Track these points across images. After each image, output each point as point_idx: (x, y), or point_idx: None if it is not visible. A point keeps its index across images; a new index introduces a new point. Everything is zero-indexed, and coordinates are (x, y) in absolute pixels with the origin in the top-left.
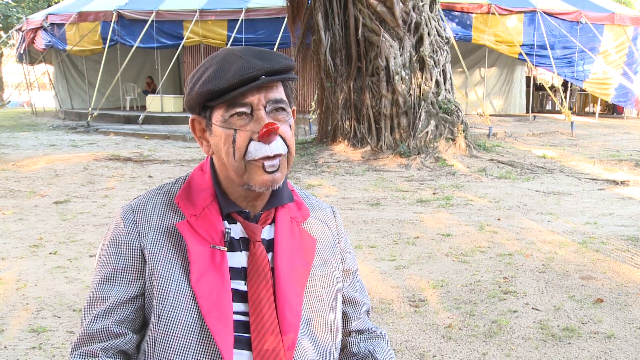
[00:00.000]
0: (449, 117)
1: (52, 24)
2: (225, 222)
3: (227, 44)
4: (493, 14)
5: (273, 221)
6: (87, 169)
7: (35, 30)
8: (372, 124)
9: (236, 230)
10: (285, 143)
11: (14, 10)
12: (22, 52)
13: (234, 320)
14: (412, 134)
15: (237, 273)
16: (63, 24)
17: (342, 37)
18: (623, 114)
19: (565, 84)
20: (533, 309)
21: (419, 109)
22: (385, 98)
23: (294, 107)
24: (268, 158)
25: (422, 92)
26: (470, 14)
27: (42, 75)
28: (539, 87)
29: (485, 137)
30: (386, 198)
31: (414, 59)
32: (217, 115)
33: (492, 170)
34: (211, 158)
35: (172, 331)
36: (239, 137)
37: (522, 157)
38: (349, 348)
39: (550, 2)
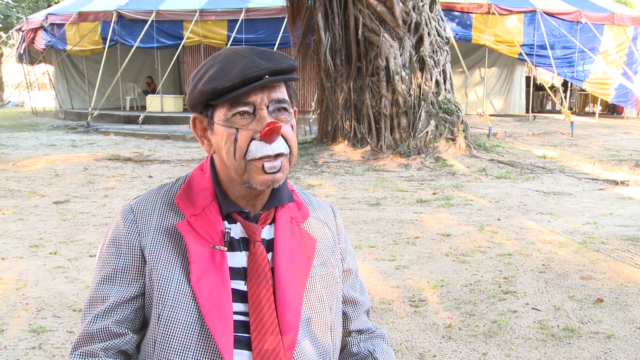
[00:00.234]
0: (449, 117)
1: (52, 24)
2: (225, 222)
3: (227, 44)
4: (493, 14)
5: (273, 221)
6: (87, 169)
7: (35, 30)
8: (372, 124)
9: (236, 230)
10: (287, 143)
11: (14, 10)
12: (22, 52)
13: (234, 320)
14: (412, 134)
15: (237, 273)
16: (63, 24)
17: (342, 37)
18: (623, 114)
19: (565, 84)
20: (533, 309)
21: (419, 109)
22: (385, 98)
23: (295, 108)
24: (269, 158)
25: (422, 92)
26: (470, 14)
27: (42, 75)
28: (539, 87)
29: (485, 137)
30: (386, 198)
31: (414, 59)
32: (220, 114)
33: (492, 170)
34: (211, 158)
35: (172, 331)
36: (241, 136)
37: (522, 157)
38: (349, 348)
39: (550, 2)
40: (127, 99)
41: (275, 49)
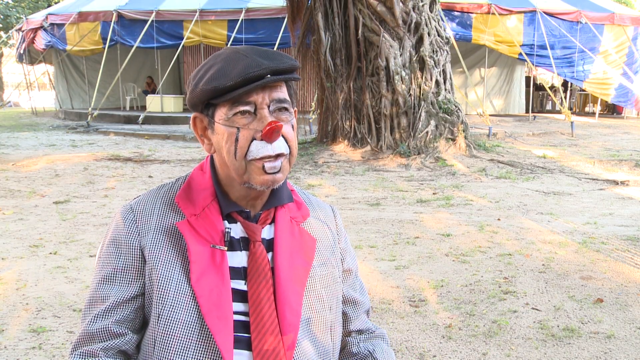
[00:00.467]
0: (449, 117)
1: (52, 24)
2: (225, 221)
3: (227, 44)
4: (493, 14)
5: (273, 221)
6: (87, 169)
7: (35, 30)
8: (372, 124)
9: (236, 230)
10: (287, 143)
11: (14, 10)
12: (22, 52)
13: (234, 320)
14: (412, 134)
15: (237, 273)
16: (63, 24)
17: (342, 37)
18: (623, 114)
19: (565, 84)
20: (533, 309)
21: (419, 109)
22: (385, 98)
23: (295, 108)
24: (270, 158)
25: (422, 92)
26: (470, 14)
27: (42, 75)
28: (539, 87)
29: (485, 137)
30: (386, 198)
31: (414, 59)
32: (220, 114)
33: (492, 170)
34: (211, 158)
35: (172, 331)
36: (242, 135)
37: (522, 157)
38: (348, 348)
39: (550, 2)
40: (127, 99)
41: (275, 49)
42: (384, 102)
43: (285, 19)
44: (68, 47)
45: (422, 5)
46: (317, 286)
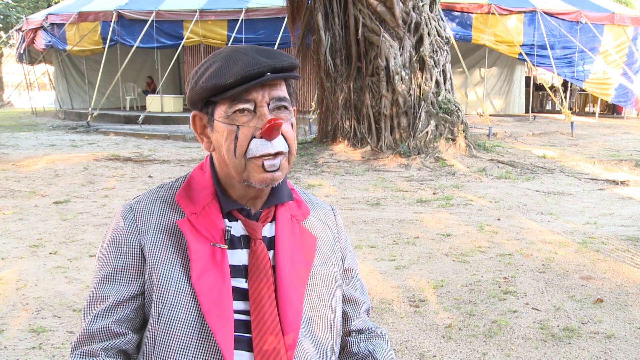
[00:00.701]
0: (449, 117)
1: (52, 24)
2: (226, 220)
3: (227, 44)
4: (493, 14)
5: (274, 219)
6: (87, 169)
7: (35, 30)
8: (372, 124)
9: (237, 228)
10: (287, 142)
11: (14, 10)
12: (22, 52)
13: (235, 320)
14: (412, 134)
15: (238, 271)
16: (63, 24)
17: (342, 37)
18: (623, 114)
19: (565, 84)
20: (533, 309)
21: (419, 109)
22: (385, 98)
23: (295, 107)
24: (269, 156)
25: (422, 92)
26: (470, 14)
27: (42, 75)
28: (539, 87)
29: (485, 137)
30: (386, 198)
31: (414, 59)
32: (220, 111)
33: (492, 170)
34: (211, 157)
35: (172, 330)
36: (242, 133)
37: (522, 157)
38: (348, 348)
39: (550, 2)
40: (127, 99)
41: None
42: (384, 102)
43: (285, 19)
44: (68, 47)
45: (422, 5)
46: (318, 285)
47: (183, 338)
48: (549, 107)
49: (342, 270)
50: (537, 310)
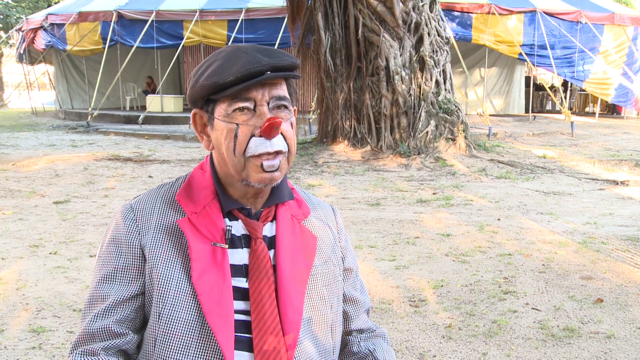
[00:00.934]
0: (449, 117)
1: (52, 24)
2: (226, 219)
3: (227, 44)
4: (493, 14)
5: (274, 219)
6: (87, 169)
7: (35, 30)
8: (372, 124)
9: (237, 228)
10: (286, 141)
11: (14, 10)
12: (22, 52)
13: (235, 320)
14: (412, 134)
15: (239, 270)
16: (63, 24)
17: (342, 37)
18: (623, 114)
19: (565, 84)
20: (533, 309)
21: (419, 109)
22: (385, 98)
23: (295, 107)
24: (268, 155)
25: (422, 92)
26: (470, 14)
27: (42, 75)
28: (539, 87)
29: (485, 137)
30: (386, 198)
31: (414, 59)
32: (220, 110)
33: (492, 170)
34: (211, 157)
35: (172, 329)
36: (241, 132)
37: (522, 157)
38: (349, 347)
39: (550, 2)
40: (127, 99)
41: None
42: (384, 102)
43: (285, 19)
44: (68, 47)
45: (422, 5)
46: (319, 284)
47: (184, 338)
48: (549, 107)
49: (342, 270)
50: (537, 310)
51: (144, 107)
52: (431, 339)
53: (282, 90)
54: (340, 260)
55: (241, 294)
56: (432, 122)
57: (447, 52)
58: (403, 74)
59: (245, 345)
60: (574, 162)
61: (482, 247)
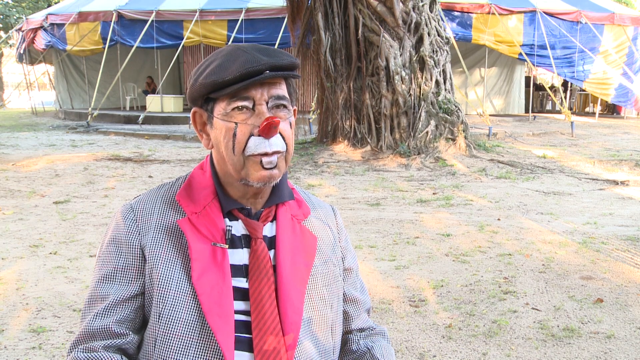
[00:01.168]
0: (449, 117)
1: (52, 24)
2: (227, 219)
3: (227, 44)
4: (493, 14)
5: (274, 219)
6: (87, 169)
7: (35, 30)
8: (372, 124)
9: (237, 228)
10: (285, 141)
11: (14, 10)
12: (22, 52)
13: (235, 320)
14: (412, 134)
15: (239, 270)
16: (63, 24)
17: (342, 37)
18: (623, 114)
19: (565, 84)
20: (533, 309)
21: (419, 109)
22: (385, 98)
23: (295, 107)
24: (266, 154)
25: (422, 92)
26: (470, 14)
27: (42, 75)
28: (539, 87)
29: (485, 137)
30: (386, 198)
31: (414, 59)
32: (219, 109)
33: (492, 170)
34: (211, 157)
35: (172, 330)
36: (240, 131)
37: (522, 157)
38: (349, 346)
39: (550, 2)
40: (127, 99)
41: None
42: (384, 102)
43: (285, 19)
44: (68, 47)
45: (422, 5)
46: (319, 284)
47: (184, 338)
48: (549, 107)
49: (342, 270)
50: (537, 310)
51: (144, 107)
52: (431, 339)
53: (282, 89)
54: (340, 260)
55: (241, 294)
56: (432, 122)
57: (447, 52)
58: (403, 74)
59: (245, 345)
60: (574, 162)
61: (482, 247)
